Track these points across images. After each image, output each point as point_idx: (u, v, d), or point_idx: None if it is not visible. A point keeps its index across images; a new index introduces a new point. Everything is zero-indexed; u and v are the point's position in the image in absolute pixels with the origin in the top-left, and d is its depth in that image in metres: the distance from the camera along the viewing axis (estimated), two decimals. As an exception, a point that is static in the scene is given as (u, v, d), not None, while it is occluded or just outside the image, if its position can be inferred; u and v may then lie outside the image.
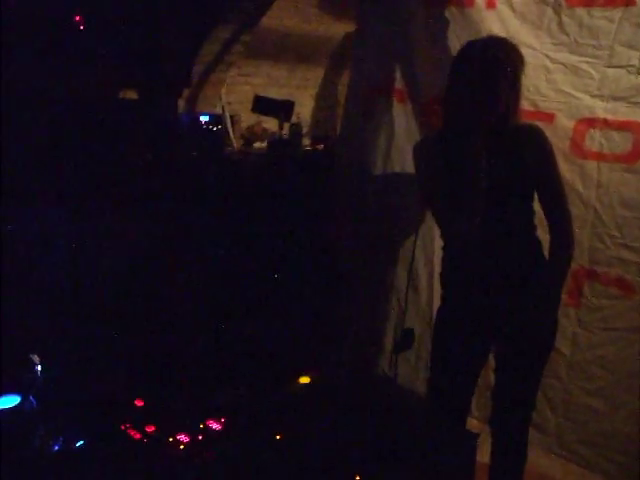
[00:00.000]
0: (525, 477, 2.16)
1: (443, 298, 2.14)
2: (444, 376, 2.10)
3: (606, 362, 2.27)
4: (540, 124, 2.21)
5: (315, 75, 6.35)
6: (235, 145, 5.07)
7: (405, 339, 1.96)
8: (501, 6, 2.35)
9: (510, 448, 2.10)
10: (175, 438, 1.16)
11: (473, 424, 2.61)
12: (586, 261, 2.26)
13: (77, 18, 4.24)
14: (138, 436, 1.17)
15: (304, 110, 6.28)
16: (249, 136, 5.46)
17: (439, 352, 2.12)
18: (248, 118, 5.44)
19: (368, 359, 2.82)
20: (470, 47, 1.89)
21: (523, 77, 1.90)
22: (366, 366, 2.79)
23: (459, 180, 1.86)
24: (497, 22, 2.34)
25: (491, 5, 2.37)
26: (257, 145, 5.40)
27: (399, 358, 2.24)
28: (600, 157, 2.19)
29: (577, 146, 2.22)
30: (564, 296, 2.32)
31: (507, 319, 1.95)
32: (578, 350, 2.33)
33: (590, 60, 2.16)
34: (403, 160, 2.62)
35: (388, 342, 2.82)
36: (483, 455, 2.15)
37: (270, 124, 5.38)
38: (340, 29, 5.86)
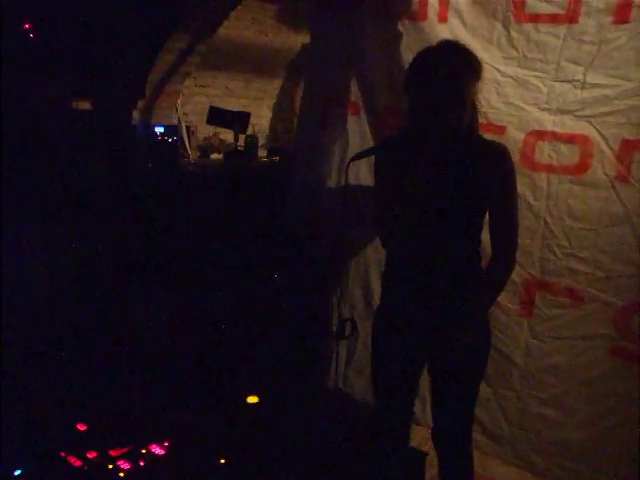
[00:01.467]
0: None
1: (382, 298, 2.12)
2: (380, 377, 2.08)
3: (558, 371, 2.30)
4: (491, 136, 2.24)
5: (272, 86, 6.34)
6: (191, 156, 5.02)
7: (343, 327, 1.93)
8: (452, 20, 2.38)
9: (453, 458, 2.06)
10: (116, 464, 1.11)
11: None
12: (537, 271, 2.29)
13: (27, 26, 4.13)
14: (78, 463, 1.12)
15: (261, 121, 6.26)
16: (206, 147, 5.41)
17: (375, 351, 2.08)
18: (205, 129, 5.39)
19: (321, 375, 2.80)
20: (426, 52, 1.86)
21: (480, 85, 1.89)
22: (318, 382, 2.77)
23: (402, 183, 1.84)
24: (449, 36, 2.35)
25: (443, 19, 2.40)
26: (214, 156, 5.35)
27: (353, 373, 2.23)
28: (549, 169, 2.23)
29: (527, 158, 2.26)
30: (517, 307, 2.35)
31: (438, 331, 1.90)
32: (531, 360, 2.36)
33: (538, 74, 2.21)
34: (357, 171, 2.62)
35: (342, 357, 2.81)
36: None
37: (227, 135, 5.34)
38: (297, 40, 5.88)
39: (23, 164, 3.62)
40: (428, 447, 2.50)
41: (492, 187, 1.84)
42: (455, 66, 1.77)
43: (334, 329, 2.00)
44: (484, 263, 2.00)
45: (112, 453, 1.14)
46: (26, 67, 3.92)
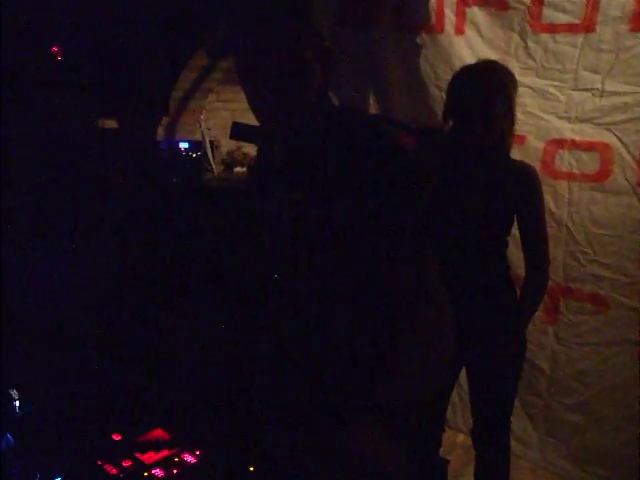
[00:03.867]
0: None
1: None
2: None
3: (585, 377, 2.31)
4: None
5: (294, 99, 6.40)
6: (215, 171, 5.10)
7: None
8: (470, 32, 2.41)
9: (491, 459, 2.10)
10: (150, 472, 1.16)
11: (461, 438, 2.66)
12: (561, 278, 2.30)
13: (54, 49, 4.27)
14: (114, 471, 1.18)
15: (284, 134, 6.30)
16: (230, 161, 5.49)
17: None
18: (229, 143, 5.47)
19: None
20: (469, 69, 1.92)
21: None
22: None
23: (433, 196, 1.89)
24: (466, 48, 2.39)
25: (460, 31, 2.43)
26: (238, 170, 5.42)
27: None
28: (570, 177, 2.25)
29: (548, 166, 2.27)
30: (542, 314, 2.36)
31: (477, 340, 1.96)
32: (557, 366, 2.36)
33: (556, 84, 2.23)
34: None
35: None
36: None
37: (251, 148, 5.41)
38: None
39: (49, 183, 3.73)
40: (454, 454, 2.52)
41: (521, 205, 1.91)
42: (492, 83, 1.83)
43: None
44: (513, 274, 2.05)
45: (146, 462, 1.19)
46: (53, 87, 4.04)
